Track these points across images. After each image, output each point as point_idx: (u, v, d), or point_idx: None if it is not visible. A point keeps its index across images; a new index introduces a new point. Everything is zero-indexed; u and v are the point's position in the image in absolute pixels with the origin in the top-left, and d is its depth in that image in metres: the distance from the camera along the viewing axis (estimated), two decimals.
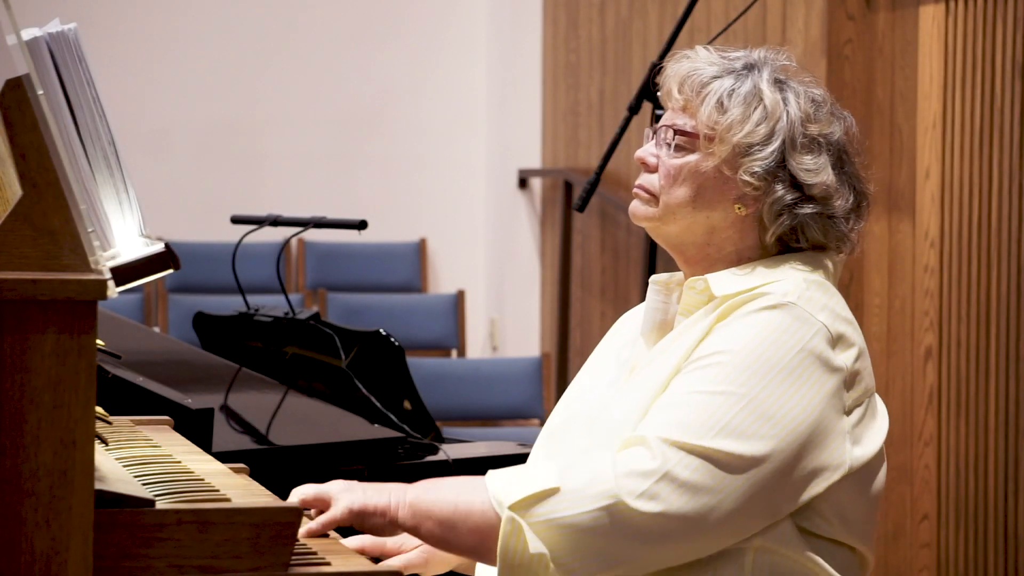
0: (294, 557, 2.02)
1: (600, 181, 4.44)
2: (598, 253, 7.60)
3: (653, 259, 4.33)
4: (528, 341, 8.34)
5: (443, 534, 2.27)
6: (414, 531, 2.28)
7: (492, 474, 2.27)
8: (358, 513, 2.27)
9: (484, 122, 8.73)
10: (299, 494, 2.29)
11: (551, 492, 2.21)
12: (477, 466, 3.47)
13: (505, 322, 8.50)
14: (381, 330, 3.80)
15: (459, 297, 8.23)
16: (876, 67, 5.27)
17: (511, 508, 2.21)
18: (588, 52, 7.77)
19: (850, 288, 5.30)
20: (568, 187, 7.76)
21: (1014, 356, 4.64)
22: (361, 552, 2.32)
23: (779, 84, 2.41)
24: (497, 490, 2.23)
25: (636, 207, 2.44)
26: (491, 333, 8.64)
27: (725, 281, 2.37)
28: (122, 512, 1.94)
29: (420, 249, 8.68)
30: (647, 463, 2.20)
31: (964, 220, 4.84)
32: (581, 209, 4.45)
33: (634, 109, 4.39)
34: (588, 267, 7.72)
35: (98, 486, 1.91)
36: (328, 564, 2.06)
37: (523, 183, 8.38)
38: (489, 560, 2.25)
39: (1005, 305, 4.68)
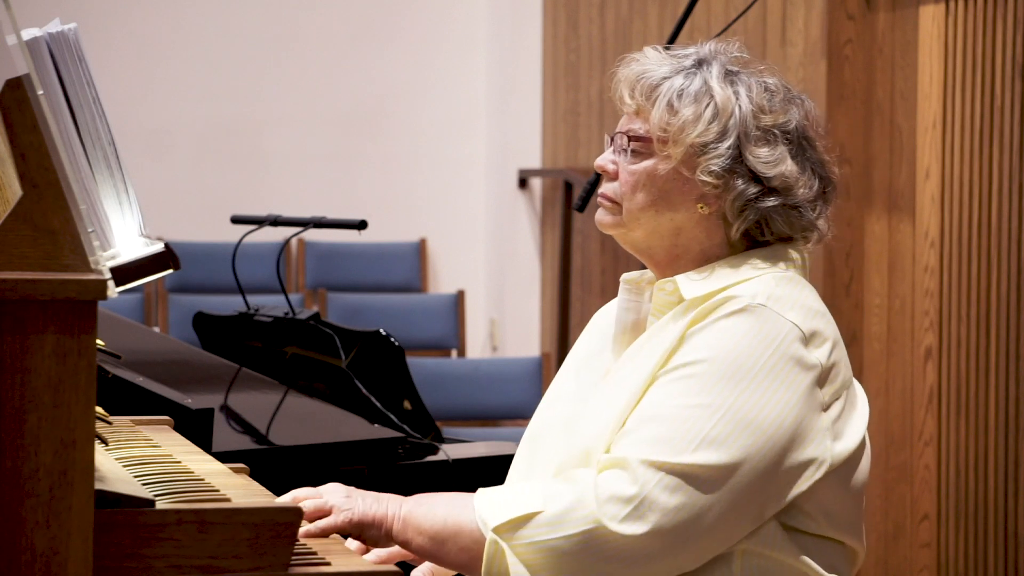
0: (294, 557, 2.02)
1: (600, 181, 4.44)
2: (598, 253, 7.59)
3: None
4: (528, 341, 8.33)
5: (433, 549, 2.28)
6: (405, 544, 2.30)
7: (481, 493, 2.28)
8: (357, 524, 2.28)
9: (484, 122, 8.73)
10: (295, 496, 2.30)
11: (534, 515, 2.21)
12: (477, 466, 3.47)
13: (505, 322, 8.49)
14: (381, 330, 3.79)
15: (459, 297, 8.22)
16: (876, 67, 5.27)
17: (495, 531, 2.22)
18: (588, 52, 7.76)
19: (850, 288, 5.30)
20: (568, 187, 7.76)
21: (1014, 356, 4.64)
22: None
23: (730, 77, 2.37)
24: (483, 510, 2.24)
25: (600, 216, 2.43)
26: (491, 333, 8.63)
27: (693, 283, 2.35)
28: (122, 512, 1.94)
29: (420, 249, 8.68)
30: (627, 487, 2.19)
31: (964, 220, 4.84)
32: (581, 209, 4.44)
33: None
34: (588, 267, 7.71)
35: (98, 486, 1.90)
36: (328, 564, 2.06)
37: (523, 183, 8.38)
38: None
39: (1005, 305, 4.67)
